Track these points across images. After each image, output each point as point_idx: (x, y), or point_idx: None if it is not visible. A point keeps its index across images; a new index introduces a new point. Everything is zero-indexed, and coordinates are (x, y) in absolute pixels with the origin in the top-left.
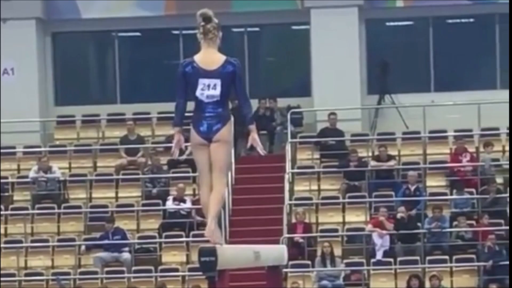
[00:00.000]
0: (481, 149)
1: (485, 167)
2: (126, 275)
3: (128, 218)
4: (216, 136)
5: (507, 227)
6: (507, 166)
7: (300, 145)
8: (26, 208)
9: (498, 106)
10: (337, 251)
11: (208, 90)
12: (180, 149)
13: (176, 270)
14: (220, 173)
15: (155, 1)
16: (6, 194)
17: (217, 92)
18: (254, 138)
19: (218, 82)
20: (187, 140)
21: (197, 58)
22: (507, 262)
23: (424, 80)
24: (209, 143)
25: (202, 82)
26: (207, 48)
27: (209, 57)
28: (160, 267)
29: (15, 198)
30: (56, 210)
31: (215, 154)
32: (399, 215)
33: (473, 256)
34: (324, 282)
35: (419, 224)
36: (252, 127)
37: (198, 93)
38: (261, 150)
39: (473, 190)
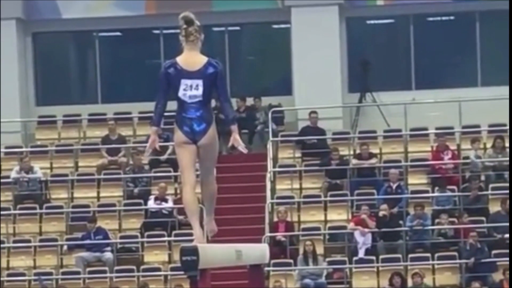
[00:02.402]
0: (463, 146)
1: (473, 164)
2: (108, 274)
3: (110, 217)
4: (202, 139)
5: (489, 225)
6: (489, 164)
7: (281, 144)
8: (8, 209)
9: (479, 104)
10: (319, 250)
11: (191, 90)
12: (154, 149)
13: (158, 269)
14: (211, 173)
15: (135, 1)
16: None
17: (199, 92)
18: (236, 138)
19: (200, 82)
20: (166, 140)
21: (179, 59)
22: (489, 259)
23: (405, 78)
24: (194, 143)
25: (185, 82)
26: (189, 50)
27: (191, 58)
28: (142, 267)
29: None
30: (38, 210)
31: (204, 155)
32: (381, 213)
33: (455, 253)
34: (307, 281)
35: (401, 222)
36: (234, 127)
37: (180, 93)
38: (243, 148)
39: (455, 187)
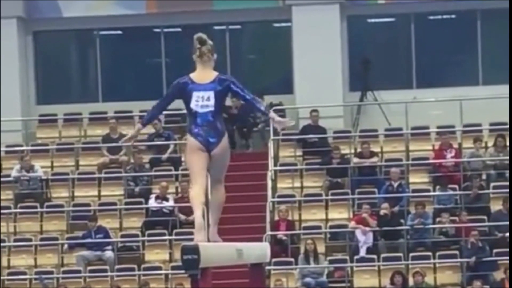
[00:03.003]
0: (464, 145)
1: (472, 163)
2: (109, 273)
3: (111, 216)
4: (216, 149)
5: (490, 223)
6: (490, 162)
7: (282, 143)
8: (9, 207)
9: (481, 102)
10: (320, 248)
11: (202, 101)
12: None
13: (159, 268)
14: (220, 182)
15: (136, 0)
16: None
17: (211, 102)
18: (278, 120)
19: (211, 94)
20: (167, 138)
21: (192, 75)
22: (490, 258)
23: (406, 76)
24: (207, 151)
25: (196, 95)
26: (202, 68)
27: (203, 74)
28: (143, 266)
29: None
30: (39, 209)
31: (215, 164)
32: (382, 212)
33: (456, 252)
34: (308, 280)
35: (402, 220)
36: (272, 114)
37: (193, 104)
38: (289, 123)
39: (456, 186)
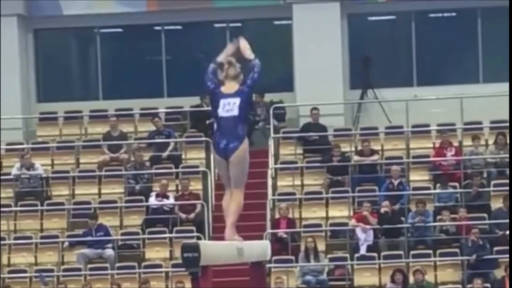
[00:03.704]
0: (465, 143)
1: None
2: (109, 271)
3: (111, 214)
4: (232, 156)
5: (490, 221)
6: (491, 160)
7: (283, 140)
8: (9, 205)
9: (481, 100)
10: (321, 246)
11: (229, 106)
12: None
13: (160, 266)
14: (237, 186)
15: None
16: None
17: (236, 106)
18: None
19: (237, 100)
20: (168, 136)
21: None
22: (491, 256)
23: (407, 74)
24: (227, 159)
25: (223, 102)
26: (229, 82)
27: (230, 87)
28: (143, 264)
29: None
30: (39, 207)
31: (232, 170)
32: (382, 210)
33: (457, 250)
34: (308, 277)
35: (402, 218)
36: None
37: (219, 110)
38: (249, 55)
39: (457, 184)
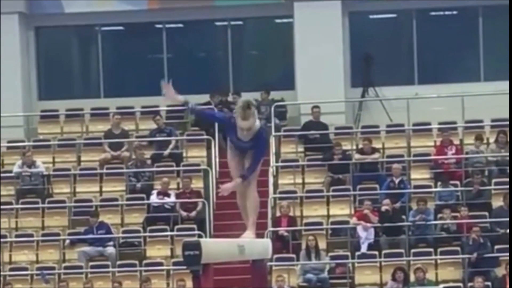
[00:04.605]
0: (466, 141)
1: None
2: (110, 269)
3: (112, 212)
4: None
5: (491, 220)
6: (492, 158)
7: (284, 139)
8: (10, 203)
9: (482, 99)
10: (322, 244)
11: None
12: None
13: (161, 264)
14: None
15: None
16: None
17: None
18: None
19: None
20: (169, 134)
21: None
22: (492, 255)
23: (408, 72)
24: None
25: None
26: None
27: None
28: (144, 262)
29: None
30: (40, 205)
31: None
32: (383, 208)
33: (458, 248)
34: (309, 276)
35: (403, 216)
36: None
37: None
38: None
39: (458, 182)
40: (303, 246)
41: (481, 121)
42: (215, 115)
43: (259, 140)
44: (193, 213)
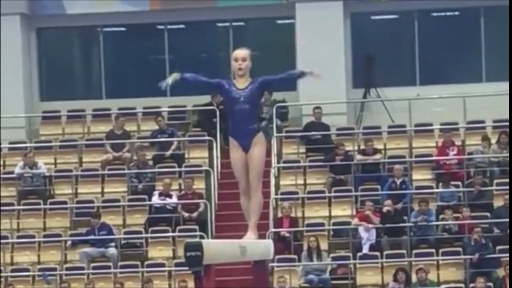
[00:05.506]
0: (467, 142)
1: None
2: (112, 270)
3: (114, 213)
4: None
5: (493, 220)
6: (493, 159)
7: (285, 140)
8: (12, 204)
9: (484, 99)
10: (323, 245)
11: (242, 99)
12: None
13: (163, 265)
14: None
15: None
16: None
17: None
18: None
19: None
20: (170, 135)
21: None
22: (494, 255)
23: (410, 73)
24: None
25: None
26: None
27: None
28: (146, 262)
29: (0, 194)
30: (42, 206)
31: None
32: (385, 209)
33: (460, 249)
34: (311, 276)
35: (405, 217)
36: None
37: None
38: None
39: (459, 183)
40: (305, 247)
41: (483, 122)
42: (210, 80)
43: (254, 87)
44: (195, 214)
